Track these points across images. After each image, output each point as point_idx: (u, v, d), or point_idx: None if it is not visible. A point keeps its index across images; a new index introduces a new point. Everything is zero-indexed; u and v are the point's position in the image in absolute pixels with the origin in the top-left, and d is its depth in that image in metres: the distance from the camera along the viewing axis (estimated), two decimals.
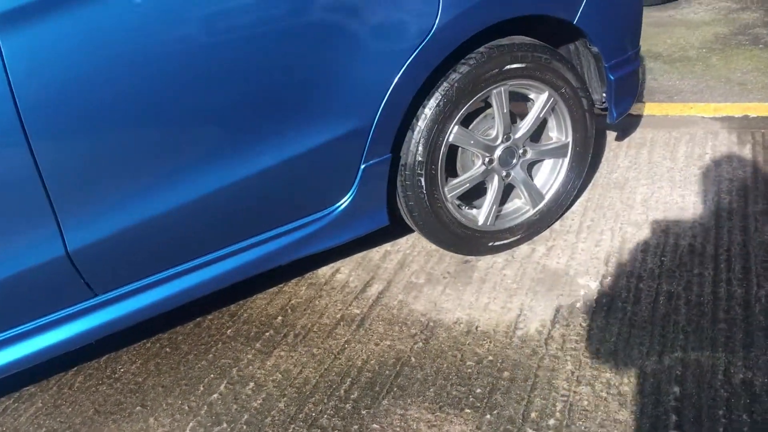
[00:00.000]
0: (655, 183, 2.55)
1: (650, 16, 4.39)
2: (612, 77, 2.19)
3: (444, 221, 2.12)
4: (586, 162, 2.30)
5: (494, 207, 2.19)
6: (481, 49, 1.98)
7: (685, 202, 2.41)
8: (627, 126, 3.00)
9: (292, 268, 2.33)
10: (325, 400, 1.83)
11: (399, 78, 1.82)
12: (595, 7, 2.04)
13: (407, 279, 2.25)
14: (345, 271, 2.34)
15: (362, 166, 1.92)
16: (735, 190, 2.43)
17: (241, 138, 1.71)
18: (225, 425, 1.80)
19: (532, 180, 2.27)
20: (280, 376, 1.94)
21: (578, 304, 2.03)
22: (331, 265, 2.38)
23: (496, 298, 2.11)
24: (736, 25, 4.00)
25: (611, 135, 2.95)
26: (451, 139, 2.02)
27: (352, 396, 1.84)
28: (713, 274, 2.05)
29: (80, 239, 1.62)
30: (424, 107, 1.96)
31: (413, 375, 1.87)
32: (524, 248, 2.31)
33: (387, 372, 1.90)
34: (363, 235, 2.11)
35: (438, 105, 1.95)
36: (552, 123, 2.23)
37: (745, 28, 3.94)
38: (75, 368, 2.10)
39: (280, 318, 2.16)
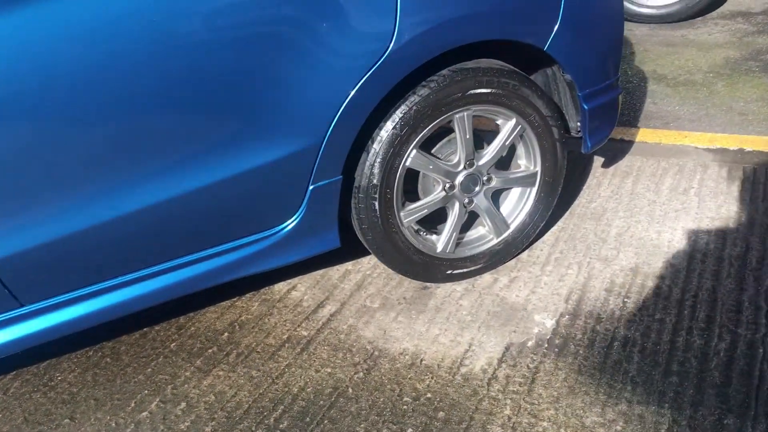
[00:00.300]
0: (633, 216, 2.45)
1: (662, 34, 4.25)
2: (586, 107, 2.09)
3: (399, 246, 2.05)
4: (556, 193, 2.21)
5: (454, 234, 2.11)
6: (444, 71, 1.90)
7: (660, 240, 2.30)
8: (616, 152, 2.89)
9: (248, 282, 2.27)
10: (253, 428, 1.77)
11: (350, 99, 1.74)
12: (567, 34, 1.94)
13: (362, 302, 2.18)
14: (301, 288, 2.28)
15: (311, 187, 1.85)
16: (715, 230, 2.32)
17: (179, 153, 1.64)
18: None
19: (497, 208, 2.19)
20: (213, 397, 1.88)
21: (530, 343, 1.94)
22: (289, 281, 2.32)
23: (448, 330, 2.03)
24: (749, 49, 3.85)
25: (598, 161, 2.85)
26: (408, 163, 1.95)
27: (281, 425, 1.77)
28: (675, 321, 1.95)
29: (2, 249, 1.58)
30: (380, 129, 1.88)
31: (347, 407, 1.80)
32: (486, 278, 2.22)
33: (321, 402, 1.83)
34: (313, 256, 2.04)
35: (395, 128, 1.88)
36: (521, 150, 2.14)
37: (758, 53, 3.79)
38: (14, 372, 2.06)
39: (226, 334, 2.11)
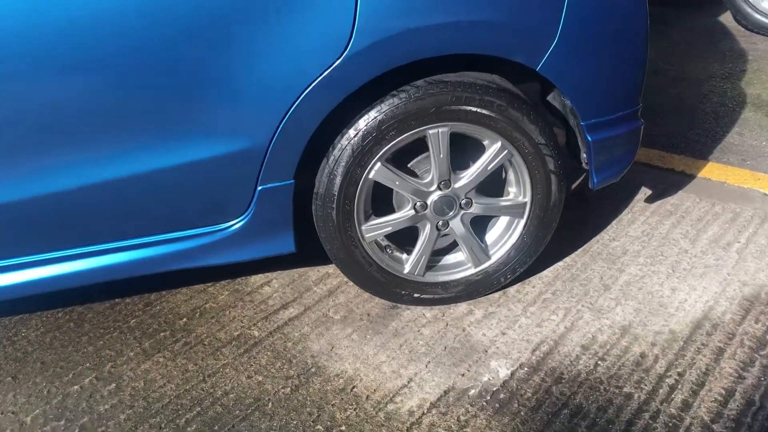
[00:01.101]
0: (653, 265, 2.15)
1: None
2: (590, 138, 1.83)
3: (359, 261, 1.92)
4: (549, 229, 1.97)
5: (424, 257, 1.94)
6: (419, 82, 1.73)
7: (672, 298, 2.01)
8: (669, 186, 2.56)
9: (227, 269, 2.23)
10: (162, 425, 1.74)
11: (299, 102, 1.63)
12: (567, 54, 1.70)
13: (325, 311, 2.08)
14: (275, 285, 2.21)
15: (259, 188, 1.76)
16: (740, 298, 1.99)
17: (113, 137, 1.61)
18: (63, 422, 1.76)
19: (482, 235, 1.99)
20: (142, 384, 1.86)
21: (472, 392, 1.76)
22: (267, 274, 2.25)
23: (396, 358, 1.88)
24: None
25: (644, 193, 2.53)
26: (371, 176, 1.80)
27: (189, 428, 1.72)
28: (644, 400, 1.69)
29: None
30: (342, 136, 1.75)
31: (258, 424, 1.72)
32: (462, 307, 2.04)
33: (237, 412, 1.76)
34: (266, 257, 1.95)
35: (357, 136, 1.74)
36: (511, 177, 1.92)
37: None
38: None
39: (185, 320, 2.08)
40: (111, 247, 1.78)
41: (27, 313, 2.17)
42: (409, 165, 1.89)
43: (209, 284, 2.23)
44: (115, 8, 1.48)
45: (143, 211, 1.74)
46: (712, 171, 2.64)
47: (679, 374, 1.75)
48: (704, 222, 2.34)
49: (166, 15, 1.50)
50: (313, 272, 2.25)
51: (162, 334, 2.04)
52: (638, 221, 2.37)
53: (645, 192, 2.54)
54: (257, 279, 2.24)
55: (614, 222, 2.38)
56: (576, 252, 2.24)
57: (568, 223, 2.36)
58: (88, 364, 1.94)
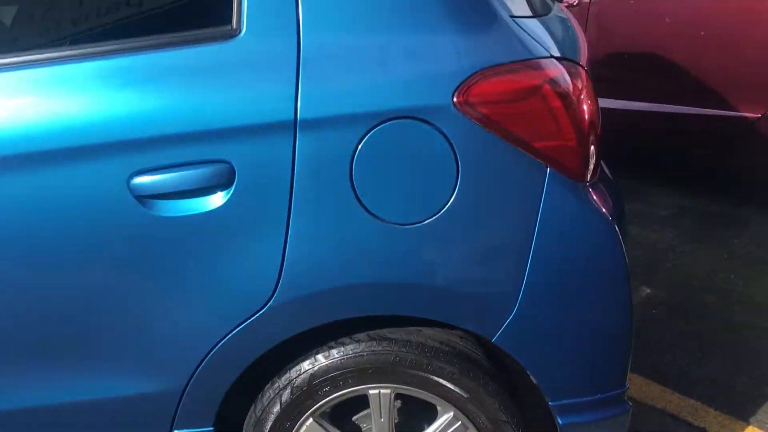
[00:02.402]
0: None
1: None
2: (560, 422, 1.55)
3: None
4: None
5: None
6: (360, 335, 1.54)
7: None
8: None
9: None
10: None
11: (215, 352, 1.47)
12: (529, 327, 1.46)
13: None
14: None
15: None
16: None
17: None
18: None
19: None
20: None
21: None
22: None
23: None
24: None
25: None
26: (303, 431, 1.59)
27: None
28: None
29: None
30: (272, 384, 1.57)
31: None
32: None
33: None
34: None
35: (287, 388, 1.55)
36: None
37: None
38: None
39: None
40: None
41: None
42: (354, 418, 1.67)
43: None
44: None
45: None
46: None
47: None
48: None
49: (67, 242, 1.40)
50: None
51: None
52: None
53: None
54: None
55: None
56: None
57: None
58: None
